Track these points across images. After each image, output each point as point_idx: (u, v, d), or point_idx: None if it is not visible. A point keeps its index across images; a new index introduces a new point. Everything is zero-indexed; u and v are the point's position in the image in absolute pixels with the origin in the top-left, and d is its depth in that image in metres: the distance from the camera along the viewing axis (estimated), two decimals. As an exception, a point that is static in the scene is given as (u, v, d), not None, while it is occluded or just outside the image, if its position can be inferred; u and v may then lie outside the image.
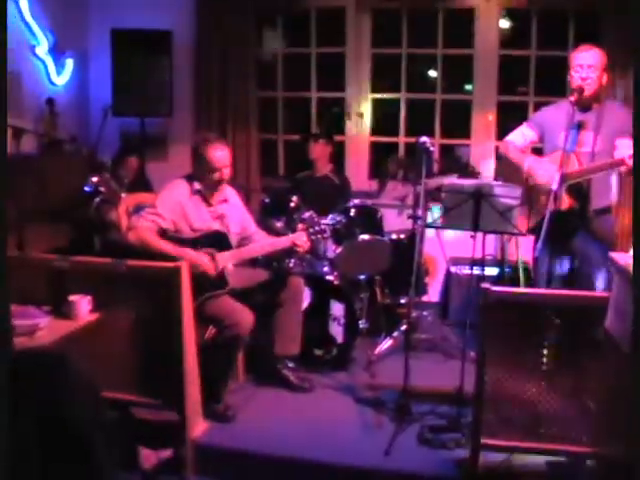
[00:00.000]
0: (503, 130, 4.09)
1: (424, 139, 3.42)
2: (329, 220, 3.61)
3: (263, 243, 3.58)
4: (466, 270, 4.68)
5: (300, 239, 3.51)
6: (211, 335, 3.40)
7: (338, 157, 5.19)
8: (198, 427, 3.07)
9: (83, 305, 2.74)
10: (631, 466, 1.89)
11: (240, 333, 3.22)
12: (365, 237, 4.19)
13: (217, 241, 3.41)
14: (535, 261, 3.63)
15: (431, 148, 3.50)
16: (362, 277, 4.25)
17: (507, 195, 3.06)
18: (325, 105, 5.81)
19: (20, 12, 4.74)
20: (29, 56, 4.92)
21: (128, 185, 4.76)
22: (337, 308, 3.94)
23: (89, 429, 1.99)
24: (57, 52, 5.15)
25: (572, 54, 3.43)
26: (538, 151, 3.74)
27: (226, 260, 3.38)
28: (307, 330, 3.72)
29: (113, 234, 4.20)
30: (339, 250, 4.13)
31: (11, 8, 4.60)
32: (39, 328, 2.53)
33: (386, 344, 4.05)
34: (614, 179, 3.53)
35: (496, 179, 4.71)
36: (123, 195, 4.30)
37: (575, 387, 2.62)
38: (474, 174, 4.65)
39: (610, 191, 3.51)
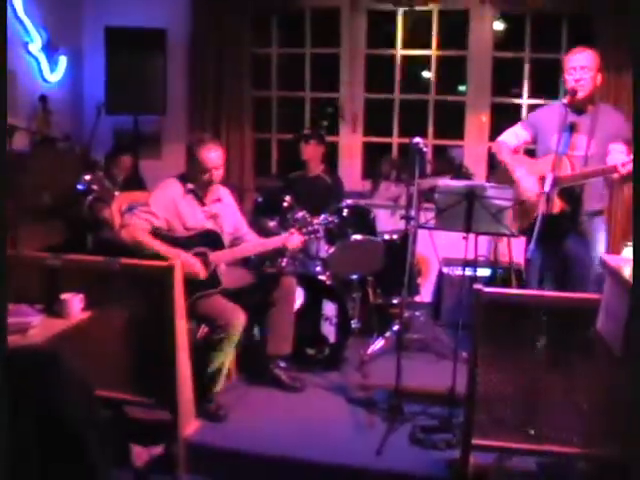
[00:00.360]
0: (496, 132, 4.09)
1: (417, 140, 3.43)
2: (322, 220, 3.63)
3: (255, 243, 3.59)
4: (458, 271, 4.69)
5: (292, 240, 3.52)
6: (203, 334, 3.40)
7: (331, 157, 5.19)
8: (190, 426, 3.07)
9: (75, 303, 2.74)
10: (627, 466, 1.90)
11: (232, 332, 3.22)
12: (358, 237, 4.19)
13: (210, 240, 3.41)
14: (527, 262, 3.65)
15: (424, 149, 3.51)
16: (355, 277, 4.25)
17: (499, 196, 3.08)
18: (319, 105, 5.81)
19: (14, 9, 4.73)
20: (22, 53, 4.91)
21: (121, 183, 4.75)
22: (329, 308, 3.94)
23: (82, 427, 1.98)
24: (50, 49, 5.13)
25: (566, 57, 3.44)
26: (531, 153, 3.75)
27: (219, 259, 3.39)
28: (299, 330, 3.73)
29: (106, 232, 4.19)
30: (332, 250, 4.14)
31: (4, 5, 4.59)
32: (31, 326, 2.54)
33: (378, 344, 4.05)
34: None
35: (488, 180, 4.73)
36: (116, 193, 4.30)
37: (566, 388, 2.64)
38: (467, 175, 4.66)
39: (603, 194, 3.52)
